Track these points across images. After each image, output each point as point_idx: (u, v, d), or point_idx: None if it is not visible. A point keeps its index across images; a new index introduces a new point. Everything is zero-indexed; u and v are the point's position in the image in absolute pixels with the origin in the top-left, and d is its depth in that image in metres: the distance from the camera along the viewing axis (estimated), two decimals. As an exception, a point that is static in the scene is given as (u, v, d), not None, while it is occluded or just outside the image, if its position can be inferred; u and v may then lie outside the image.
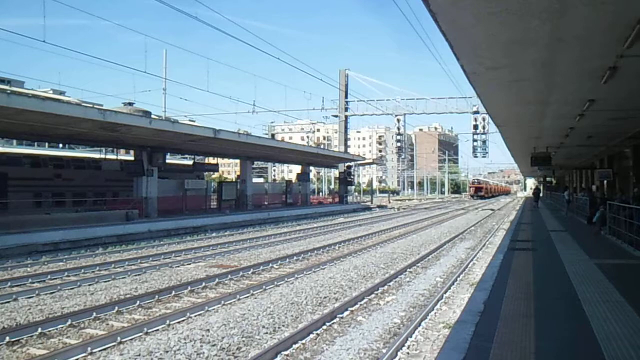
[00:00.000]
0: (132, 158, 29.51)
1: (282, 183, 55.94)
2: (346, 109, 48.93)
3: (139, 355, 6.85)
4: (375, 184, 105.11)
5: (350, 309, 9.38)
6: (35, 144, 40.69)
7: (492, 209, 48.35)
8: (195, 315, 8.90)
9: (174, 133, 24.36)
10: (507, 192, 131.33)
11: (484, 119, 42.52)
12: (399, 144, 59.83)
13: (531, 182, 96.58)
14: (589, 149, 24.74)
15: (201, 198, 34.15)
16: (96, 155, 36.89)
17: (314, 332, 7.88)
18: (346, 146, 51.13)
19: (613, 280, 8.19)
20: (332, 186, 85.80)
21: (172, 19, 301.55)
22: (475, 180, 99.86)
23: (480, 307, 6.61)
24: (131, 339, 7.53)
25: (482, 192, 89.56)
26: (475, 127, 44.19)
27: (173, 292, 10.73)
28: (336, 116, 49.57)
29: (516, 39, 7.33)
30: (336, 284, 11.62)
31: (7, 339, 7.43)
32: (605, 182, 26.31)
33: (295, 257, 15.89)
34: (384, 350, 6.96)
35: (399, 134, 50.90)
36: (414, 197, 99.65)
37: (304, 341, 7.46)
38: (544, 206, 40.18)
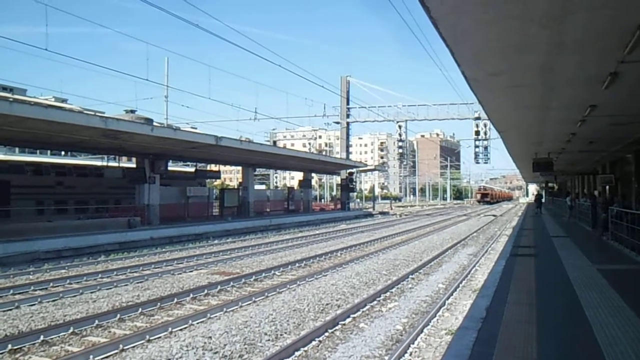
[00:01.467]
0: (134, 165, 29.57)
1: (284, 190, 56.02)
2: (348, 116, 49.02)
3: (141, 362, 6.85)
4: (377, 191, 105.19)
5: (353, 315, 9.37)
6: (38, 151, 40.82)
7: (494, 215, 48.30)
8: (198, 323, 8.90)
9: (175, 140, 24.43)
10: (509, 198, 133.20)
11: (485, 125, 42.45)
12: (400, 151, 59.90)
13: (533, 188, 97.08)
14: (591, 155, 24.68)
15: (203, 205, 34.18)
16: (98, 163, 37.00)
17: (316, 339, 7.87)
18: (348, 153, 51.19)
19: (615, 286, 8.17)
20: (334, 193, 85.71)
21: (173, 27, 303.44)
22: (482, 187, 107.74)
23: (482, 314, 6.60)
24: (133, 347, 7.53)
25: (487, 197, 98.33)
26: (477, 133, 44.16)
27: (175, 300, 10.73)
28: (338, 123, 49.62)
29: (517, 45, 7.35)
30: (338, 291, 11.60)
31: (10, 346, 7.43)
32: (607, 187, 26.24)
33: (297, 264, 15.87)
34: (387, 357, 6.96)
35: (400, 140, 50.84)
36: (416, 204, 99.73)
37: (306, 348, 7.45)
38: (546, 212, 40.08)
